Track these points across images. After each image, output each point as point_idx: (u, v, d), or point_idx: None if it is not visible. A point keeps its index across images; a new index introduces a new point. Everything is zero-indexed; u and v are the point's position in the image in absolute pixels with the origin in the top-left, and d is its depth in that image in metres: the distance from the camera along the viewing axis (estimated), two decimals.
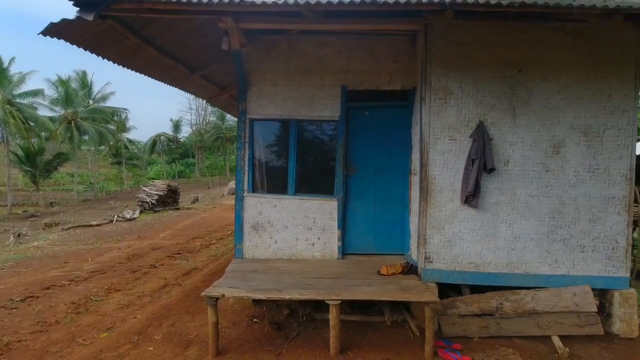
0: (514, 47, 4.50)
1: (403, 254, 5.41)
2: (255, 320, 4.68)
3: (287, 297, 3.86)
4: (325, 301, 3.80)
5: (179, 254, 8.78)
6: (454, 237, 4.58)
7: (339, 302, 3.80)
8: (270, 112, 5.25)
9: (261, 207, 5.29)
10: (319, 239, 5.24)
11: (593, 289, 4.65)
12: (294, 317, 4.73)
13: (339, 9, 3.60)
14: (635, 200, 8.76)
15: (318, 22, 4.02)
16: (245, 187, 5.27)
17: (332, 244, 5.25)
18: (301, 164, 5.38)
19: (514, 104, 4.53)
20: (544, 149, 4.57)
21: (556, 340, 4.32)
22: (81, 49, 4.06)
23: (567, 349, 4.14)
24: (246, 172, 5.24)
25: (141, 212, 17.38)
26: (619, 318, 4.65)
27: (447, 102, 4.50)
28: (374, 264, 4.99)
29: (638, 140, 10.22)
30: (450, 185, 4.54)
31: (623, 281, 4.68)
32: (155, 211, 17.72)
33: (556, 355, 4.12)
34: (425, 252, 4.57)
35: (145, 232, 12.27)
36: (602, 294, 4.81)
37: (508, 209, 4.58)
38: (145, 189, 19.13)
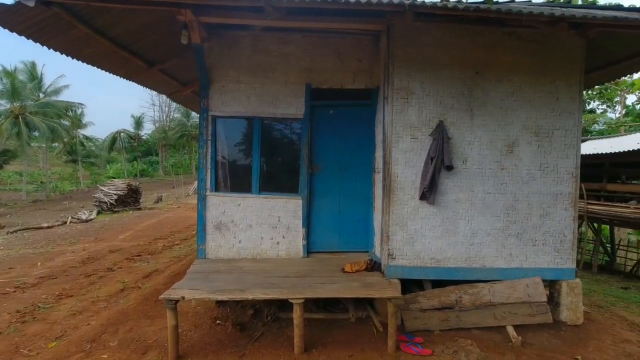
0: (471, 50, 4.67)
1: (367, 251, 5.48)
2: (218, 321, 4.57)
3: (250, 297, 3.80)
4: (289, 300, 3.78)
5: (139, 256, 8.41)
6: (416, 233, 4.69)
7: (303, 300, 3.78)
8: (234, 110, 5.14)
9: (224, 206, 5.16)
10: (283, 237, 5.19)
11: (543, 280, 4.93)
12: (258, 317, 4.66)
13: (300, 6, 3.57)
14: (581, 197, 9.42)
15: (281, 19, 3.97)
16: (208, 185, 5.13)
17: (297, 242, 5.22)
18: (265, 162, 5.31)
19: (471, 105, 4.70)
20: (499, 148, 4.78)
21: (510, 330, 4.54)
22: (24, 37, 3.76)
23: (520, 338, 4.37)
24: (209, 171, 5.10)
25: (99, 212, 16.53)
26: (566, 307, 4.97)
27: (408, 102, 4.59)
28: (339, 261, 5.02)
29: (582, 141, 10.99)
30: (412, 183, 4.65)
31: (570, 272, 5.00)
32: (115, 212, 16.91)
33: (510, 344, 4.33)
34: (389, 249, 4.66)
35: (103, 233, 11.67)
36: (552, 285, 5.12)
37: (467, 205, 4.75)
38: (103, 188, 18.20)
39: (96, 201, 17.38)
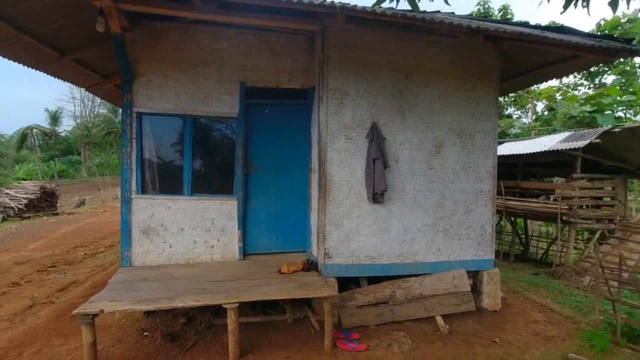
0: (402, 55, 4.88)
1: (305, 251, 5.47)
2: (145, 333, 4.24)
3: (180, 305, 3.58)
4: (223, 305, 3.63)
5: (53, 266, 7.54)
6: (351, 232, 4.78)
7: (238, 305, 3.66)
8: (162, 106, 4.81)
9: (153, 209, 4.82)
10: (218, 240, 4.99)
11: (467, 272, 5.32)
12: (191, 326, 4.42)
13: (232, 1, 3.45)
14: (500, 193, 10.39)
15: (212, 12, 3.80)
16: (134, 187, 4.74)
17: (232, 245, 5.05)
18: (198, 162, 5.05)
19: (402, 107, 4.92)
20: (428, 148, 5.06)
21: (439, 320, 4.83)
22: None
23: (448, 327, 4.67)
24: (134, 172, 4.71)
25: (4, 219, 14.57)
26: (487, 294, 5.42)
27: (343, 103, 4.67)
28: (276, 262, 4.95)
29: (501, 143, 12.12)
30: (347, 182, 4.73)
31: (490, 263, 5.45)
32: (24, 218, 15.03)
33: (439, 333, 4.61)
34: (325, 248, 4.69)
35: (9, 243, 10.29)
36: (475, 275, 5.54)
37: (399, 204, 4.96)
38: (9, 191, 16.04)
39: (0, 206, 15.28)
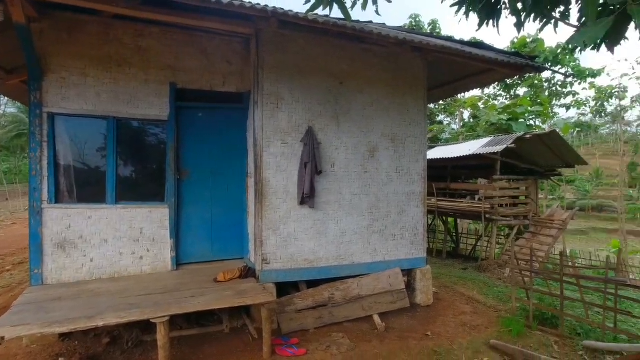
0: (335, 62, 5.00)
1: (243, 258, 5.34)
2: (61, 359, 3.82)
3: (101, 323, 3.27)
4: (151, 320, 3.39)
5: None
6: (289, 237, 4.76)
7: (168, 318, 3.44)
8: (80, 107, 4.39)
9: (70, 220, 4.37)
10: (148, 251, 4.67)
11: (402, 270, 5.56)
12: (117, 345, 4.07)
13: None
14: (433, 194, 11.11)
15: (133, 8, 3.56)
16: (45, 197, 4.25)
17: (164, 255, 4.76)
18: (124, 168, 4.69)
19: (337, 112, 5.03)
20: (362, 153, 5.22)
21: (376, 318, 4.98)
22: None
23: (384, 324, 4.83)
24: (45, 179, 4.23)
25: None
26: (420, 291, 5.72)
27: (279, 107, 4.65)
28: (212, 271, 4.76)
29: (432, 147, 12.97)
30: (284, 187, 4.71)
31: (422, 261, 5.76)
32: None
33: (376, 331, 4.75)
34: (263, 254, 4.62)
35: None
36: (409, 273, 5.81)
37: (336, 207, 5.04)
38: None
39: None
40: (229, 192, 5.24)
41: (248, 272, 4.72)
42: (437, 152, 11.26)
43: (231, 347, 4.15)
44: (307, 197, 4.70)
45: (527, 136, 9.10)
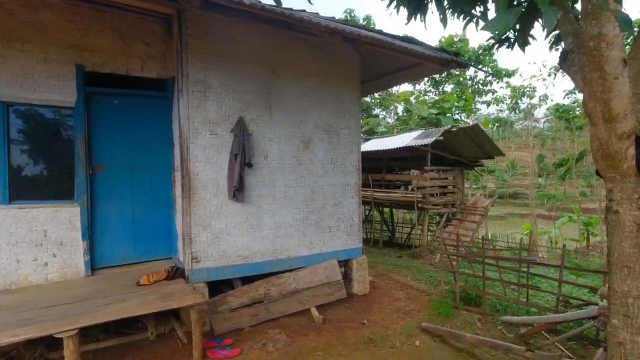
0: (267, 50, 4.81)
1: (172, 257, 4.97)
2: None
3: None
4: (55, 335, 2.97)
5: None
6: (221, 232, 4.51)
7: (77, 331, 3.05)
8: None
9: None
10: (54, 256, 4.11)
11: (339, 261, 5.59)
12: None
13: None
14: (370, 186, 11.43)
15: None
16: None
17: (75, 259, 4.23)
18: (21, 161, 4.05)
19: (270, 102, 4.86)
20: (296, 144, 5.12)
21: (313, 311, 4.94)
22: None
23: (322, 316, 4.81)
24: None
25: None
26: (357, 280, 5.80)
27: (206, 96, 4.36)
28: (135, 274, 4.35)
29: (368, 140, 13.33)
30: (214, 180, 4.45)
31: (358, 251, 5.84)
32: None
33: (314, 323, 4.71)
34: (192, 252, 4.32)
35: None
36: (346, 264, 5.87)
37: (270, 200, 4.89)
38: None
39: None
40: (153, 187, 4.82)
41: (176, 273, 4.39)
42: (373, 144, 11.59)
43: (157, 354, 3.84)
44: (236, 191, 4.48)
45: (454, 129, 9.72)
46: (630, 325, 2.06)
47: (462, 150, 11.10)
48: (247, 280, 4.80)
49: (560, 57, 2.60)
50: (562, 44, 2.67)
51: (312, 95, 5.24)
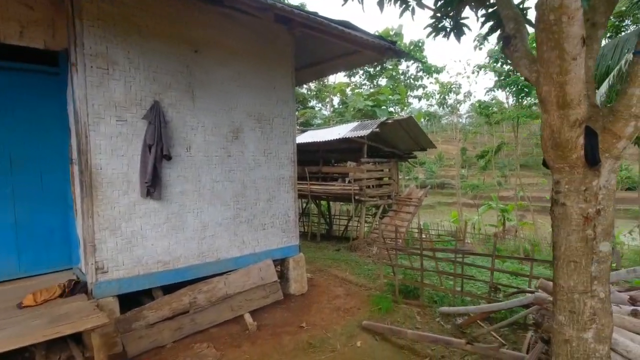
0: (189, 25, 4.19)
1: (72, 268, 4.16)
2: None
3: None
4: None
5: None
6: (134, 236, 3.85)
7: None
8: None
9: None
10: None
11: (274, 261, 5.19)
12: None
13: None
14: (307, 179, 11.14)
15: None
16: None
17: None
18: None
19: (192, 86, 4.24)
20: (224, 134, 4.57)
21: (247, 317, 4.50)
22: None
23: (256, 323, 4.38)
24: None
25: None
26: (294, 280, 5.45)
27: (110, 74, 3.63)
28: (19, 292, 3.52)
29: (304, 131, 13.02)
30: (124, 175, 3.75)
31: (295, 249, 5.48)
32: None
33: (247, 332, 4.27)
34: (97, 262, 3.61)
35: None
36: (282, 263, 5.49)
37: (194, 197, 4.31)
38: None
39: None
40: (44, 184, 3.96)
41: (75, 287, 3.64)
42: (309, 136, 11.29)
43: None
44: (151, 187, 3.85)
45: (389, 121, 9.80)
46: (577, 322, 1.98)
47: (397, 142, 11.29)
48: (170, 289, 4.20)
49: (503, 43, 2.46)
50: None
51: (242, 79, 4.72)
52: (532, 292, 3.77)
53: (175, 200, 4.13)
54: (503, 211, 19.85)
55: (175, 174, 4.13)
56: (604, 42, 12.76)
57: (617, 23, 11.65)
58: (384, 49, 5.42)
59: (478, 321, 4.29)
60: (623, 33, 11.47)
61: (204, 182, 4.37)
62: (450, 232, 20.41)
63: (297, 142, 10.98)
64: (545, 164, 2.10)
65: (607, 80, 9.32)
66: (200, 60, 4.31)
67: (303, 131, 12.87)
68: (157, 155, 3.87)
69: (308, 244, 10.86)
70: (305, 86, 21.15)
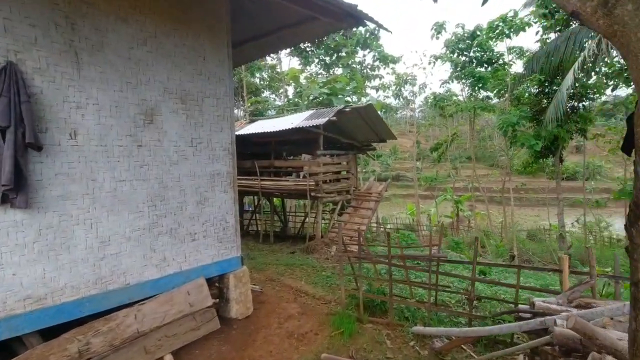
0: None
1: None
2: None
3: None
4: None
5: None
6: None
7: None
8: None
9: None
10: None
11: (209, 279, 4.11)
12: None
13: None
14: (256, 174, 10.01)
15: None
16: None
17: None
18: None
19: (76, 46, 3.00)
20: (132, 116, 3.38)
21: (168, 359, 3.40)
22: None
23: None
24: None
25: None
26: (236, 301, 4.39)
27: None
28: None
29: (253, 121, 11.81)
30: None
31: (236, 261, 4.41)
32: None
33: None
34: None
35: None
36: (220, 280, 4.40)
37: (86, 202, 3.09)
38: None
39: None
40: None
41: None
42: (259, 126, 10.09)
43: None
44: (12, 191, 2.59)
45: (347, 109, 8.92)
46: None
47: (356, 133, 10.47)
48: (56, 331, 2.98)
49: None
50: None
51: (158, 44, 3.54)
52: (529, 312, 3.02)
53: (53, 208, 2.90)
54: (457, 202, 19.97)
55: (53, 171, 2.89)
56: (553, 36, 12.99)
57: (566, 17, 11.78)
58: (342, 16, 4.44)
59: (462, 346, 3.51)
60: (573, 26, 11.61)
61: (101, 182, 3.16)
62: (408, 225, 20.26)
63: (246, 132, 9.81)
64: (625, 149, 1.27)
65: (571, 70, 9.17)
66: (89, 11, 3.07)
67: (252, 121, 11.63)
68: (18, 144, 2.62)
69: (260, 247, 9.75)
70: (257, 75, 19.80)
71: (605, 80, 11.76)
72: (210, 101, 4.04)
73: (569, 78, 8.70)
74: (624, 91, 12.93)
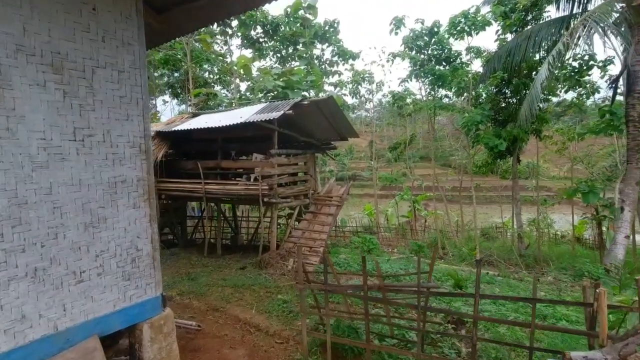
0: None
1: None
2: None
3: None
4: None
5: None
6: None
7: None
8: None
9: None
10: None
11: (107, 337, 2.80)
12: None
13: None
14: (199, 176, 8.57)
15: None
16: None
17: None
18: None
19: None
20: None
21: None
22: None
23: None
24: None
25: None
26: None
27: None
28: None
29: (196, 115, 10.29)
30: None
31: (153, 305, 3.12)
32: None
33: None
34: None
35: None
36: (131, 333, 3.08)
37: None
38: None
39: None
40: None
41: None
42: (203, 121, 8.63)
43: None
44: None
45: (305, 102, 7.80)
46: None
47: (315, 130, 9.36)
48: None
49: None
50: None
51: None
52: None
53: None
54: (414, 202, 19.68)
55: None
56: (510, 36, 12.90)
57: (522, 17, 11.74)
58: None
59: None
60: (530, 26, 11.50)
61: None
62: (366, 227, 19.61)
63: (187, 127, 8.29)
64: None
65: (543, 67, 8.78)
66: None
67: (195, 115, 10.09)
68: None
69: (204, 262, 8.30)
70: (206, 67, 18.02)
71: (555, 83, 11.92)
72: (107, 74, 2.72)
73: (543, 72, 8.27)
74: (570, 95, 13.31)
